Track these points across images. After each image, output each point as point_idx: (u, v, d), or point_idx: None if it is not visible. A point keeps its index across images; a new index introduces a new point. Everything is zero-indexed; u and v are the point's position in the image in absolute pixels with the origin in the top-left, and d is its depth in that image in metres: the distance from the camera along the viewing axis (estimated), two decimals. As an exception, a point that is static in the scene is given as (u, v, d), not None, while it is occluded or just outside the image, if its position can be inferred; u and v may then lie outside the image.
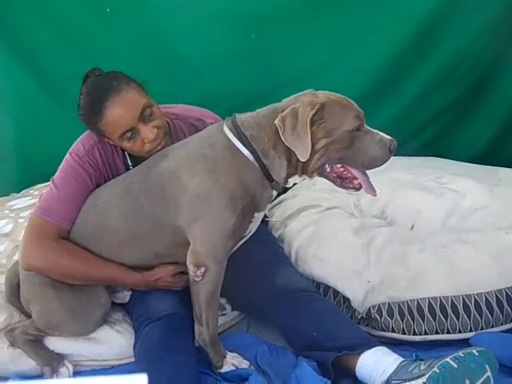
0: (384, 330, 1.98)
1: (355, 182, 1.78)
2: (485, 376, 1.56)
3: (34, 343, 1.90)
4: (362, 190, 1.80)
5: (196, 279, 1.77)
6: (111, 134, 1.84)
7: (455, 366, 1.55)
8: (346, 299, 2.06)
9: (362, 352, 1.73)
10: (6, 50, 2.65)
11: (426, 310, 1.95)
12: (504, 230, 2.14)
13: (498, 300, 1.94)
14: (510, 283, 1.97)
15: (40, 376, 1.86)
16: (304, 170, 1.76)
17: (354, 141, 1.71)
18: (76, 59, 2.67)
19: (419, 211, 2.37)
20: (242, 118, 1.78)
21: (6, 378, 1.84)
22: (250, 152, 1.73)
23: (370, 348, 1.74)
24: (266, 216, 2.32)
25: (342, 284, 2.08)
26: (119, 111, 1.81)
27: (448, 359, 1.57)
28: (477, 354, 1.58)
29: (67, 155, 1.93)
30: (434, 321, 1.94)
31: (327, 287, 2.12)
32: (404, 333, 1.96)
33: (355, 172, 1.77)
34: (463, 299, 1.94)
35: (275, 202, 2.57)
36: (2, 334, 1.91)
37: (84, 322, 1.89)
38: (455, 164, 2.77)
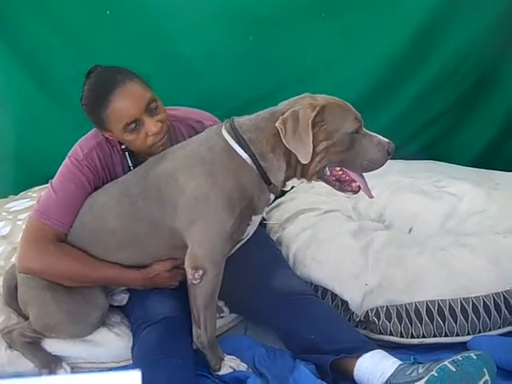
0: (382, 333, 1.98)
1: (353, 184, 1.79)
2: (483, 380, 1.56)
3: (32, 345, 1.89)
4: (360, 192, 1.80)
5: (194, 282, 1.76)
6: (115, 125, 1.83)
7: (453, 369, 1.55)
8: (344, 302, 2.05)
9: (359, 355, 1.73)
10: (6, 51, 2.65)
11: (423, 313, 1.95)
12: (502, 234, 2.14)
13: (495, 303, 1.95)
14: (508, 286, 1.97)
15: (37, 378, 1.86)
16: (303, 173, 1.76)
17: (353, 143, 1.72)
18: (76, 61, 2.67)
19: (417, 214, 2.37)
20: (241, 120, 1.78)
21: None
22: (248, 155, 1.73)
23: (368, 351, 1.74)
24: (264, 219, 2.32)
25: (339, 287, 2.08)
26: (126, 101, 1.81)
27: (446, 363, 1.57)
28: (475, 357, 1.58)
29: (66, 159, 1.93)
30: (432, 324, 1.94)
31: (325, 290, 2.11)
32: (402, 336, 1.96)
33: (353, 175, 1.77)
34: (461, 302, 1.94)
35: (273, 204, 2.57)
36: (-1, 336, 1.91)
37: (81, 324, 1.89)
38: (453, 167, 2.78)
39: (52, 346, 1.92)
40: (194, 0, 2.66)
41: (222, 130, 1.77)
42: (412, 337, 1.95)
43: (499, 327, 1.95)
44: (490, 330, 1.94)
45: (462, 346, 1.86)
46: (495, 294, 1.96)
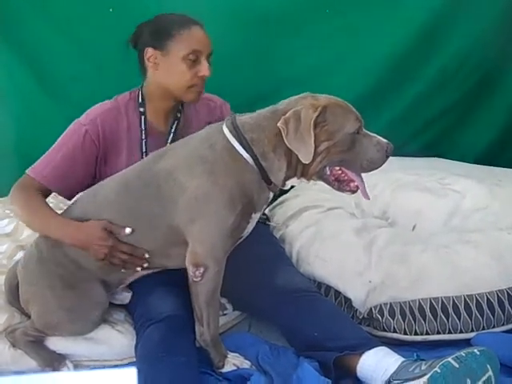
0: (385, 331, 1.98)
1: (352, 184, 1.79)
2: (486, 375, 1.56)
3: (35, 344, 1.90)
4: (358, 192, 1.81)
5: (195, 279, 1.76)
6: (179, 50, 1.92)
7: (457, 365, 1.55)
8: (348, 299, 2.05)
9: (363, 352, 1.73)
10: (7, 49, 2.65)
11: (427, 310, 1.95)
12: (506, 231, 2.14)
13: (499, 300, 1.95)
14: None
15: (41, 376, 1.86)
16: (304, 172, 1.76)
17: (354, 143, 1.72)
18: (78, 59, 2.68)
19: (421, 212, 2.37)
20: (242, 119, 1.78)
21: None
22: (250, 155, 1.73)
23: (371, 348, 1.74)
24: (267, 219, 2.32)
25: (343, 284, 2.08)
26: (200, 35, 1.96)
27: (449, 359, 1.57)
28: (478, 353, 1.58)
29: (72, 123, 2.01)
30: (436, 321, 1.94)
31: (328, 287, 2.11)
32: (405, 333, 1.96)
33: (352, 175, 1.78)
34: (465, 299, 1.94)
35: (277, 202, 2.58)
36: (2, 335, 1.90)
37: (82, 322, 1.89)
38: (456, 164, 2.78)
39: (55, 344, 1.91)
40: (196, -2, 2.67)
41: (224, 129, 1.77)
42: (415, 334, 1.95)
43: (503, 324, 1.95)
44: (493, 326, 1.94)
45: (466, 343, 1.87)
46: (499, 290, 1.96)
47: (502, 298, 1.94)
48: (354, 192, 1.80)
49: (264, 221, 2.23)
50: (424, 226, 2.34)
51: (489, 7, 2.70)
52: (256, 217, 1.83)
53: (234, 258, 1.83)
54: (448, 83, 2.87)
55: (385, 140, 1.75)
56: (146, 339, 1.81)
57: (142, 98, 2.04)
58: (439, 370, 1.54)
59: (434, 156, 2.89)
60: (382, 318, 1.97)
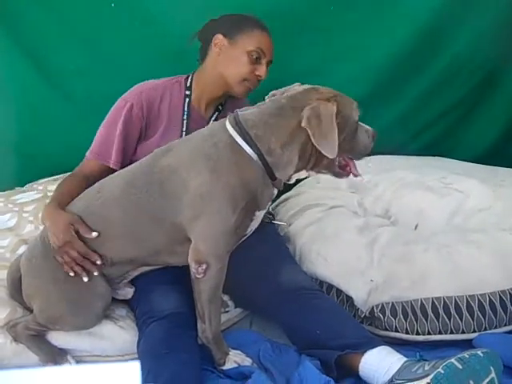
0: (387, 330, 1.97)
1: (347, 168, 1.83)
2: (489, 377, 1.56)
3: (37, 338, 1.89)
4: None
5: (198, 276, 1.76)
6: (247, 44, 2.03)
7: (460, 366, 1.55)
8: (349, 298, 2.05)
9: (365, 351, 1.73)
10: (9, 43, 2.63)
11: (429, 310, 1.95)
12: (508, 231, 2.14)
13: (501, 301, 1.94)
14: (514, 284, 1.97)
15: (42, 371, 1.86)
16: (315, 165, 1.76)
17: (356, 131, 1.77)
18: (80, 53, 2.66)
19: (423, 211, 2.37)
20: (245, 115, 1.76)
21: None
22: (254, 151, 1.72)
23: (373, 347, 1.74)
24: (274, 217, 2.32)
25: (345, 283, 2.07)
26: (269, 39, 2.08)
27: (452, 360, 1.56)
28: (482, 355, 1.57)
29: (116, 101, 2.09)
30: (438, 321, 1.94)
31: (330, 286, 2.11)
32: (407, 332, 1.96)
33: (349, 160, 1.82)
34: (467, 299, 1.94)
35: (280, 200, 2.57)
36: (4, 330, 1.90)
37: (85, 315, 1.88)
38: (458, 164, 2.77)
39: (57, 339, 1.91)
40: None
41: (227, 125, 1.76)
42: (417, 333, 1.95)
43: (505, 325, 1.95)
44: (495, 327, 1.94)
45: (468, 344, 1.87)
46: (501, 291, 1.96)
47: (505, 298, 1.94)
48: (348, 175, 1.84)
49: (270, 220, 2.23)
50: (426, 225, 2.33)
51: (491, 8, 2.69)
52: (260, 214, 1.82)
53: (237, 255, 1.82)
54: (451, 82, 2.87)
55: (369, 126, 1.80)
56: (148, 336, 1.81)
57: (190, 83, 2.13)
58: (442, 371, 1.54)
59: (437, 155, 2.88)
60: (384, 317, 1.97)
